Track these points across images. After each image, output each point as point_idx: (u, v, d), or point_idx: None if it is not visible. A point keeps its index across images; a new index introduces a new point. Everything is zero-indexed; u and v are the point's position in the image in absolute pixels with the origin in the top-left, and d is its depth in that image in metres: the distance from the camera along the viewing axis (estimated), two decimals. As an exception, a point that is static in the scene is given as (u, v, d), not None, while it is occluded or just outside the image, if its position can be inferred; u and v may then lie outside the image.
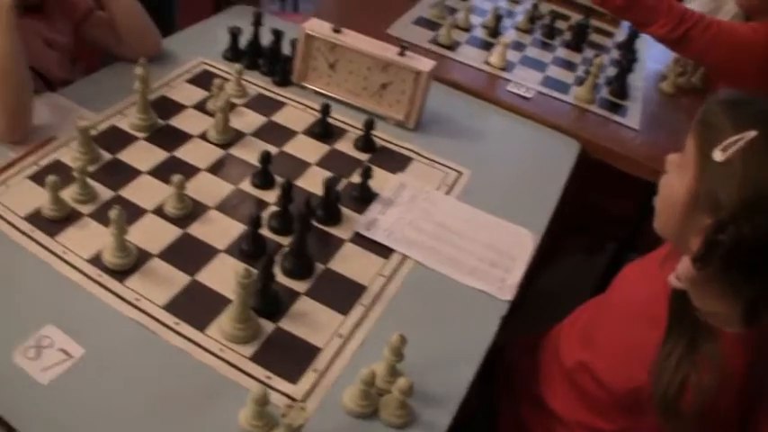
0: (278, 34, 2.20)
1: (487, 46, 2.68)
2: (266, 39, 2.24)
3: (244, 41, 2.27)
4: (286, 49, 2.22)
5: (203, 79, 2.14)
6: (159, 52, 2.21)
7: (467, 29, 2.77)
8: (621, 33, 3.08)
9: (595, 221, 2.85)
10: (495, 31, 2.75)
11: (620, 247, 2.84)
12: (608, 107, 2.50)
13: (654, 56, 2.96)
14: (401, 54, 2.02)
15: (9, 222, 1.56)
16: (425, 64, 2.01)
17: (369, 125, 1.95)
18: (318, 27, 2.08)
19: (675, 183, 1.39)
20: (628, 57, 2.85)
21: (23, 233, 1.54)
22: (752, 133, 1.26)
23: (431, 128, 2.14)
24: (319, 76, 2.13)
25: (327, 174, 1.85)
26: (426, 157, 2.01)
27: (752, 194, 1.22)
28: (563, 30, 2.99)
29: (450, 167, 1.99)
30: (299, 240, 1.54)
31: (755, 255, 1.22)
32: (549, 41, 2.87)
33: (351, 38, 2.07)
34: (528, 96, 2.40)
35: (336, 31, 2.07)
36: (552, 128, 2.29)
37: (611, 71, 2.70)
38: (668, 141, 2.33)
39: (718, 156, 1.28)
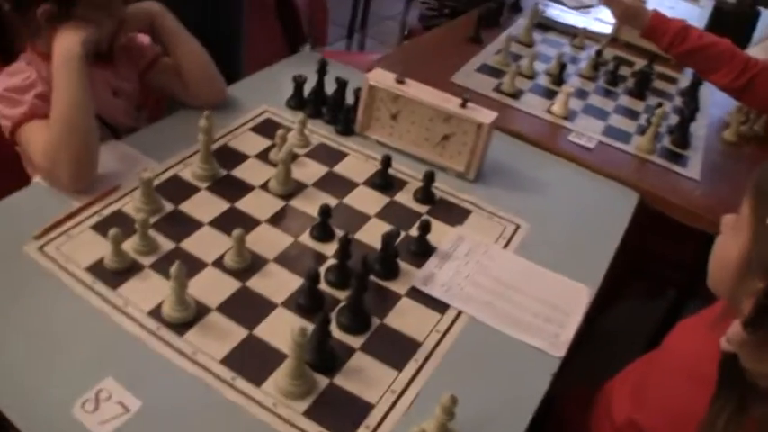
0: (341, 83, 2.22)
1: (551, 94, 2.69)
2: (330, 87, 2.28)
3: (308, 89, 2.30)
4: (349, 97, 2.25)
5: (267, 128, 2.18)
6: (224, 100, 2.25)
7: (530, 76, 2.78)
8: (685, 79, 3.08)
9: (655, 266, 2.84)
10: (558, 78, 2.76)
11: (680, 293, 2.82)
12: (668, 157, 2.49)
13: (717, 103, 2.96)
14: (463, 105, 2.04)
15: (71, 274, 1.60)
16: (487, 116, 2.03)
17: (429, 177, 1.97)
18: (381, 78, 2.10)
19: (729, 244, 1.40)
20: (690, 104, 2.84)
21: (85, 285, 1.58)
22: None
23: (491, 179, 2.15)
24: (382, 126, 2.15)
25: (387, 226, 1.87)
26: (485, 210, 2.02)
27: None
28: (626, 76, 3.00)
29: (508, 220, 2.00)
30: (355, 298, 1.56)
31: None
32: (612, 89, 2.87)
33: (413, 89, 2.09)
34: (589, 147, 2.41)
35: (400, 81, 2.09)
36: (612, 178, 2.30)
37: (674, 119, 2.68)
38: (729, 192, 2.34)
39: (772, 222, 1.28)
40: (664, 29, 2.57)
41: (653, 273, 2.94)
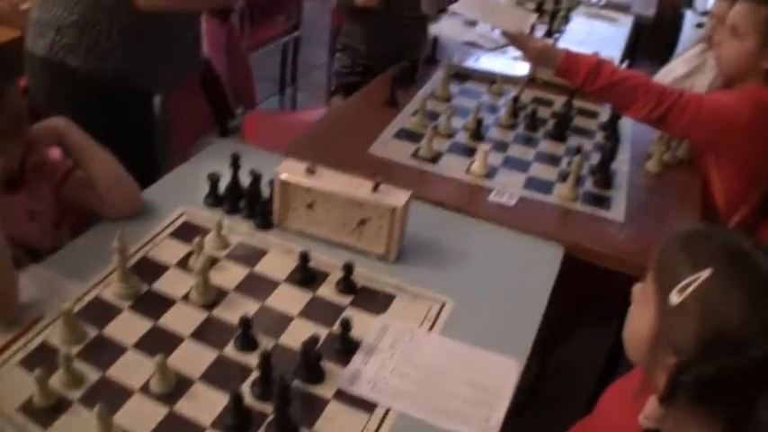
0: (256, 177, 2.22)
1: (470, 152, 2.69)
2: (247, 177, 2.26)
3: (226, 181, 2.29)
4: (266, 188, 2.25)
5: (185, 232, 2.16)
6: (141, 208, 2.23)
7: (449, 135, 2.79)
8: (605, 113, 3.10)
9: (596, 304, 2.85)
10: (476, 133, 2.78)
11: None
12: (592, 201, 2.51)
13: (638, 134, 3.02)
14: (376, 189, 2.03)
15: (6, 415, 1.57)
16: (400, 197, 2.03)
17: (348, 269, 1.97)
18: (292, 170, 2.10)
19: (640, 317, 1.41)
20: (611, 139, 2.86)
21: (18, 427, 1.55)
22: (707, 272, 1.27)
23: (413, 256, 2.15)
24: (299, 216, 2.15)
25: (310, 325, 1.87)
26: (409, 291, 2.02)
27: (711, 335, 1.23)
28: (546, 118, 3.02)
29: (433, 299, 2.00)
30: (279, 414, 1.55)
31: (721, 392, 1.23)
32: (531, 134, 2.90)
33: (325, 179, 2.09)
34: (510, 204, 2.41)
35: (311, 171, 2.09)
36: (536, 234, 2.30)
37: (596, 157, 2.70)
38: (654, 230, 2.37)
39: (675, 298, 1.29)
40: (576, 68, 2.60)
41: (597, 308, 2.94)
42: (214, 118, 3.65)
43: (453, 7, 3.05)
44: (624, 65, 4.97)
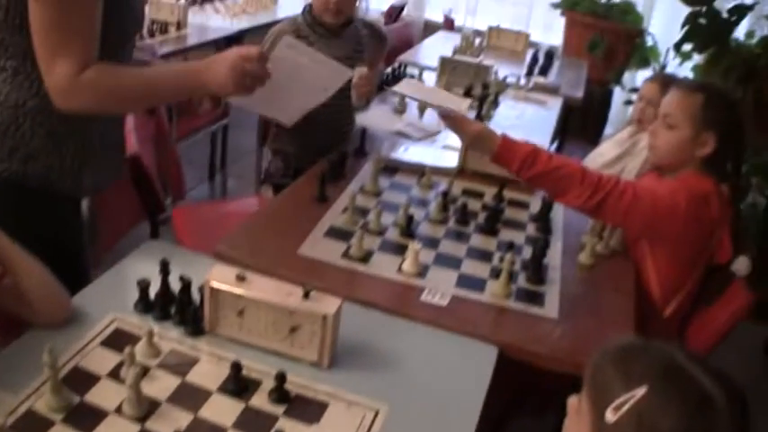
0: (186, 283, 2.18)
1: (401, 249, 2.66)
2: (177, 282, 2.22)
3: (158, 284, 2.24)
4: (197, 293, 2.21)
5: (117, 340, 2.11)
6: (71, 314, 2.17)
7: (380, 232, 2.78)
8: (536, 203, 3.10)
9: (533, 393, 2.84)
10: (407, 230, 2.76)
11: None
12: (525, 298, 2.50)
13: (571, 224, 3.05)
14: (306, 296, 2.01)
15: None
16: (331, 305, 2.01)
17: (280, 378, 1.94)
18: (222, 277, 2.07)
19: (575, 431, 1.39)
20: (543, 231, 2.88)
21: None
22: (641, 390, 1.26)
23: (346, 361, 2.12)
24: (230, 323, 2.12)
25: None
26: (343, 399, 1.98)
27: None
28: (477, 211, 3.02)
29: (367, 406, 1.97)
30: None
31: None
32: (463, 229, 2.90)
33: (255, 285, 2.06)
34: (443, 304, 2.40)
35: (240, 278, 2.06)
36: (470, 335, 2.28)
37: (528, 251, 2.70)
38: (589, 324, 2.41)
39: (610, 416, 1.28)
40: (512, 154, 2.62)
41: (533, 400, 2.93)
42: (144, 212, 3.62)
43: (394, 88, 3.04)
44: (554, 146, 5.06)
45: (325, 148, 3.39)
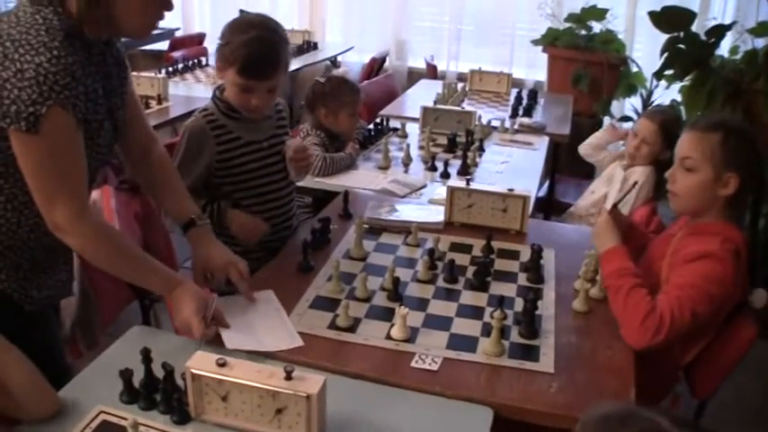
0: (168, 371, 2.13)
1: (389, 314, 2.59)
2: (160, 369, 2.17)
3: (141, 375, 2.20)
4: (181, 380, 2.15)
5: (104, 432, 2.02)
6: (57, 410, 2.12)
7: (366, 299, 2.70)
8: (526, 252, 3.04)
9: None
10: (395, 293, 2.70)
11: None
12: (519, 354, 2.43)
13: (562, 270, 3.00)
14: (288, 376, 1.95)
15: None
16: (314, 384, 1.96)
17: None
18: (203, 363, 2.03)
19: None
20: (534, 281, 2.82)
21: None
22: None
23: (336, 439, 2.03)
24: (215, 408, 2.07)
25: None
26: (333, 487, 1.91)
27: None
28: (465, 266, 2.97)
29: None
30: None
31: None
32: (452, 287, 2.83)
33: (236, 369, 2.01)
34: (434, 369, 2.33)
35: (221, 364, 2.01)
36: (463, 399, 2.22)
37: (520, 303, 2.64)
38: (587, 376, 2.34)
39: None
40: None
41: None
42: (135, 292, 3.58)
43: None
44: (546, 186, 5.02)
45: (269, 245, 3.21)
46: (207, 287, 2.60)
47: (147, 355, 2.19)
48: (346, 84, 4.28)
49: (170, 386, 2.15)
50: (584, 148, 4.67)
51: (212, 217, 2.99)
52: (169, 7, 2.31)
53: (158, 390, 2.18)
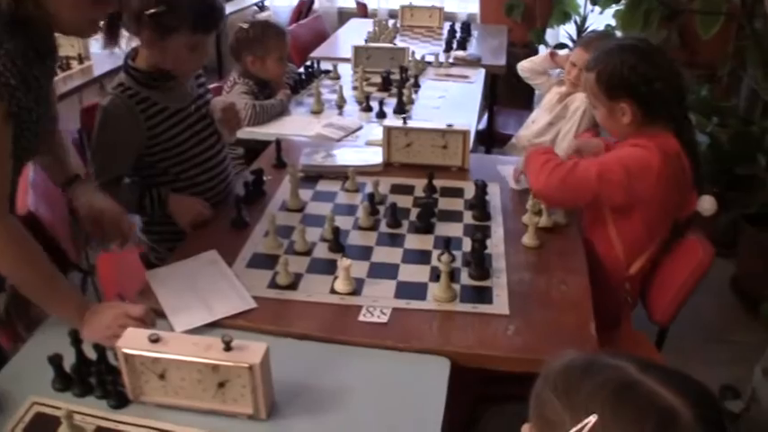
0: (101, 351, 1.99)
1: (332, 267, 2.46)
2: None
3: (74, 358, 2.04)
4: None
5: (39, 426, 1.91)
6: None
7: (306, 252, 2.57)
8: (470, 189, 2.92)
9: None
10: (336, 243, 2.56)
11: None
12: (472, 297, 2.32)
13: (509, 205, 2.91)
14: (227, 347, 1.81)
15: None
16: (256, 352, 1.82)
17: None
18: (134, 340, 1.88)
19: None
20: (481, 218, 2.71)
21: None
22: (592, 419, 1.07)
23: (287, 406, 1.93)
24: (153, 388, 1.93)
25: None
26: (286, 454, 1.78)
27: None
28: (408, 208, 2.85)
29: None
30: None
31: None
32: (396, 231, 2.71)
33: (171, 344, 1.87)
34: (384, 321, 2.21)
35: (154, 340, 1.86)
36: (417, 350, 2.11)
37: (468, 243, 2.52)
38: (544, 316, 2.25)
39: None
40: None
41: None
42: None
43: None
44: (485, 118, 4.91)
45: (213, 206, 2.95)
46: (100, 237, 2.42)
47: (75, 338, 2.02)
48: (271, 27, 4.10)
49: (104, 368, 2.01)
50: (522, 70, 4.55)
51: (152, 208, 2.82)
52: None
53: (92, 374, 2.03)
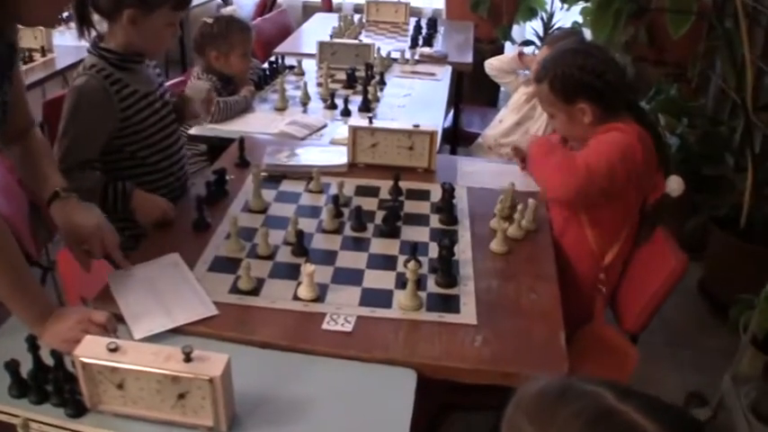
0: (58, 357, 1.93)
1: (295, 272, 2.39)
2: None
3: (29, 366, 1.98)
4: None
5: (-3, 433, 1.82)
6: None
7: (269, 256, 2.50)
8: (437, 191, 2.87)
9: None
10: (299, 247, 2.50)
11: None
12: (438, 305, 2.27)
13: (477, 209, 2.85)
14: (187, 359, 1.76)
15: None
16: (217, 364, 1.76)
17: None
18: (92, 349, 1.82)
19: None
20: (448, 222, 2.67)
21: None
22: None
23: (249, 418, 1.88)
24: (111, 397, 1.87)
25: None
26: (247, 469, 1.73)
27: None
28: (374, 211, 2.79)
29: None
30: None
31: None
32: (360, 235, 2.65)
33: (130, 354, 1.81)
34: (348, 330, 2.15)
35: (113, 350, 1.81)
36: (382, 361, 2.06)
37: (434, 249, 2.47)
38: (513, 324, 2.20)
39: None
40: None
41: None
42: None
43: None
44: (450, 116, 4.87)
45: (174, 201, 2.93)
46: (86, 256, 2.36)
47: (33, 343, 1.97)
48: (235, 23, 4.04)
49: (61, 376, 1.95)
50: (490, 69, 4.51)
51: (115, 200, 2.75)
52: None
53: (49, 381, 1.97)
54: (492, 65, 4.53)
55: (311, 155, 3.24)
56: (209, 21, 4.05)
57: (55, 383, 1.95)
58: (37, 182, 2.45)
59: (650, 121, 2.85)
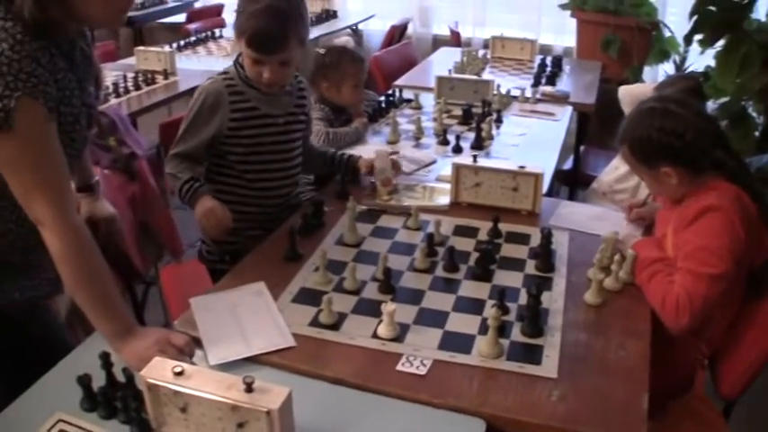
0: (129, 377, 1.96)
1: (378, 310, 2.32)
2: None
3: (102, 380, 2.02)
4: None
5: (64, 444, 1.84)
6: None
7: (355, 291, 2.48)
8: (536, 236, 2.80)
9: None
10: (387, 284, 2.46)
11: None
12: (520, 355, 2.20)
13: (576, 257, 2.76)
14: (248, 389, 1.74)
15: None
16: (277, 397, 1.75)
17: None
18: (159, 371, 1.84)
19: None
20: (544, 269, 2.60)
21: None
22: None
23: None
24: (176, 419, 1.88)
25: None
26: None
27: None
28: (469, 252, 2.73)
29: None
30: None
31: None
32: (451, 276, 2.60)
33: (194, 379, 1.81)
34: (422, 373, 2.10)
35: (178, 373, 1.80)
36: (451, 409, 1.99)
37: (524, 297, 2.40)
38: (594, 383, 2.10)
39: None
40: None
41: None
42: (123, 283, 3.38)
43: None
44: (571, 159, 4.78)
45: (266, 224, 3.02)
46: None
47: (106, 360, 2.01)
48: (347, 54, 4.05)
49: (130, 394, 1.96)
50: (625, 95, 4.36)
51: (186, 194, 2.83)
52: None
53: (118, 398, 1.99)
54: (627, 93, 4.37)
55: (414, 194, 3.19)
56: (322, 51, 4.08)
57: (123, 401, 1.96)
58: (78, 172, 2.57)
59: (747, 177, 2.65)
